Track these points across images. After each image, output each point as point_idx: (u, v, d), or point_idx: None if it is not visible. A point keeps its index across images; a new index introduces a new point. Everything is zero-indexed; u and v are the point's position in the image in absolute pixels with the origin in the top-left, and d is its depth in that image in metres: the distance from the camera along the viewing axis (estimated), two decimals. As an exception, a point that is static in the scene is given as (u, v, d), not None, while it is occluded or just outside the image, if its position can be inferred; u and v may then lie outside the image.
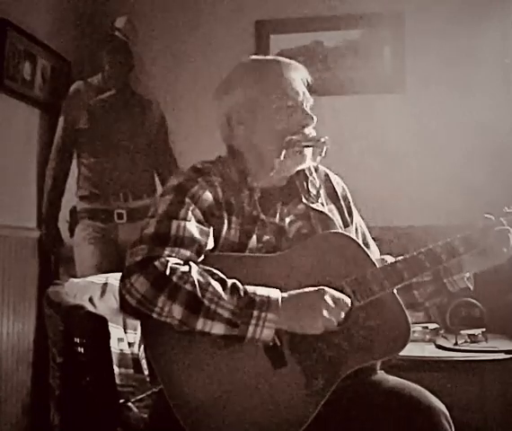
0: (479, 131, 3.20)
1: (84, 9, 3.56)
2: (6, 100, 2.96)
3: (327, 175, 1.74)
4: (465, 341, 2.67)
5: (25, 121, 3.15)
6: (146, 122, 3.22)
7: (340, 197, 1.72)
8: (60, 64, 3.38)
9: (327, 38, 3.50)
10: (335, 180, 1.75)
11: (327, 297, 1.40)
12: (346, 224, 1.68)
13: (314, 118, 1.62)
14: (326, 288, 1.42)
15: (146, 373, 1.85)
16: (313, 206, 1.63)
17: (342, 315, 1.43)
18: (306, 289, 1.42)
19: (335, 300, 1.42)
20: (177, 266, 1.39)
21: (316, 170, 1.71)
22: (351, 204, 1.74)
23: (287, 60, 1.67)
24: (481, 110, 3.21)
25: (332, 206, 1.69)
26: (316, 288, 1.42)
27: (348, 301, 1.44)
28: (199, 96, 3.47)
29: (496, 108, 3.18)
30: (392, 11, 3.43)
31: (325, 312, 1.39)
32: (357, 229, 1.71)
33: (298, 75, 1.63)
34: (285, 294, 1.41)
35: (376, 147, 3.30)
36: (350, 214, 1.72)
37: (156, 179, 3.29)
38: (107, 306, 1.88)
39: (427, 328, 2.78)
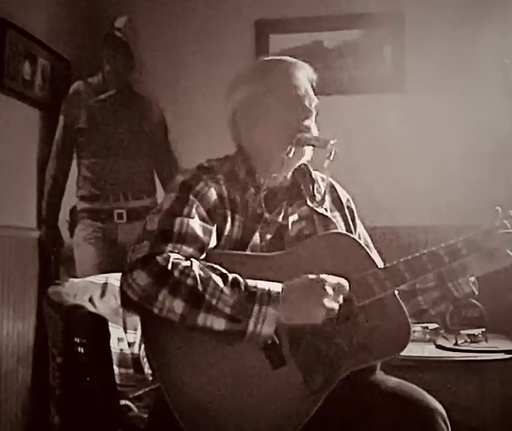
0: (479, 131, 3.20)
1: (84, 9, 3.56)
2: (6, 100, 2.96)
3: (333, 186, 1.75)
4: (465, 341, 2.66)
5: (25, 121, 3.15)
6: (146, 122, 3.22)
7: (345, 207, 1.73)
8: (60, 64, 3.38)
9: (327, 38, 3.50)
10: (341, 191, 1.76)
11: (327, 287, 1.40)
12: (349, 232, 1.67)
13: (314, 111, 1.62)
14: (325, 277, 1.41)
15: (149, 372, 1.85)
16: (318, 209, 1.64)
17: (341, 299, 1.43)
18: (306, 279, 1.41)
19: (334, 286, 1.42)
20: (179, 261, 1.39)
21: (323, 179, 1.72)
22: (355, 215, 1.75)
23: (292, 59, 1.68)
24: (481, 110, 3.20)
25: (337, 214, 1.70)
26: (315, 278, 1.41)
27: (345, 283, 1.44)
28: (199, 96, 3.48)
29: (496, 108, 3.17)
30: (392, 11, 3.43)
31: (326, 302, 1.39)
32: (360, 238, 1.70)
33: (303, 74, 1.64)
34: (284, 286, 1.41)
35: (376, 147, 3.29)
36: (354, 224, 1.73)
37: (156, 179, 3.28)
38: (107, 306, 1.89)
39: (427, 328, 2.77)
